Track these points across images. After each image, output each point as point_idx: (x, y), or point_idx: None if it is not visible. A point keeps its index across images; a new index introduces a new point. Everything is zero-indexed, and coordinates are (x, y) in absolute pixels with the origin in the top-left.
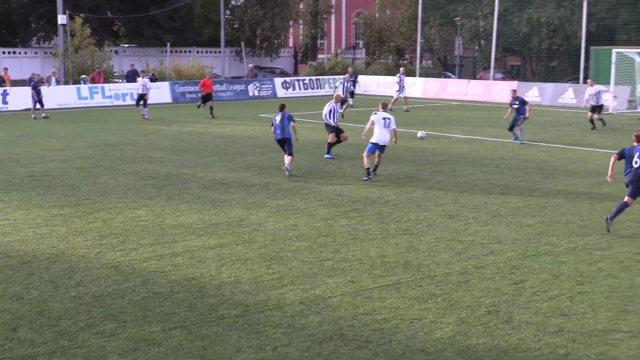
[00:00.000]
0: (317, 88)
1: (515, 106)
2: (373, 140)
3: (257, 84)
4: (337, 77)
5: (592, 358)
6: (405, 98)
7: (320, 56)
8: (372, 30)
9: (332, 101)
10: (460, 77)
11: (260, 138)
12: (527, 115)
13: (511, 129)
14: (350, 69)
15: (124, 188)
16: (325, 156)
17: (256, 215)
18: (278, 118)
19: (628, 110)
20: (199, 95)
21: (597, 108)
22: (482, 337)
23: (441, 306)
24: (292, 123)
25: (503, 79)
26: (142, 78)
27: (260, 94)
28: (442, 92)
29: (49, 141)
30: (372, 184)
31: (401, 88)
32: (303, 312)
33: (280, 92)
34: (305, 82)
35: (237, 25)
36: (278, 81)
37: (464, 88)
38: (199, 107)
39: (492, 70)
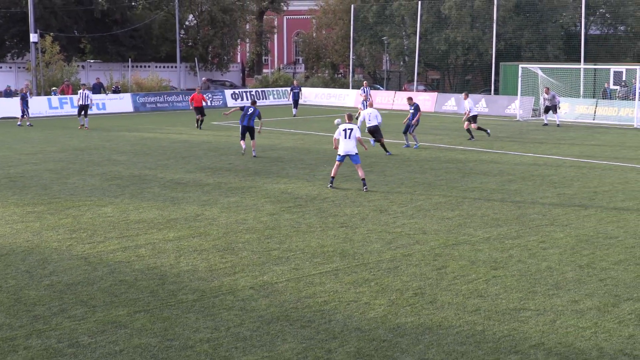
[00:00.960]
0: (263, 98)
1: (411, 111)
2: (340, 152)
3: (210, 95)
4: (280, 89)
5: (505, 333)
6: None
7: (265, 70)
8: (310, 47)
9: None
10: (387, 89)
11: (212, 143)
12: (413, 121)
13: (405, 132)
14: (295, 82)
15: (91, 188)
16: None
17: (210, 211)
18: (250, 110)
19: (533, 118)
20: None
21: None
22: (410, 316)
23: (374, 289)
24: (260, 120)
25: (425, 90)
26: (83, 90)
27: (212, 104)
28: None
29: (23, 146)
30: (312, 184)
31: (365, 101)
32: (253, 297)
33: (230, 102)
34: (252, 93)
35: (191, 43)
36: (228, 93)
37: (391, 99)
38: (199, 127)
39: (415, 83)
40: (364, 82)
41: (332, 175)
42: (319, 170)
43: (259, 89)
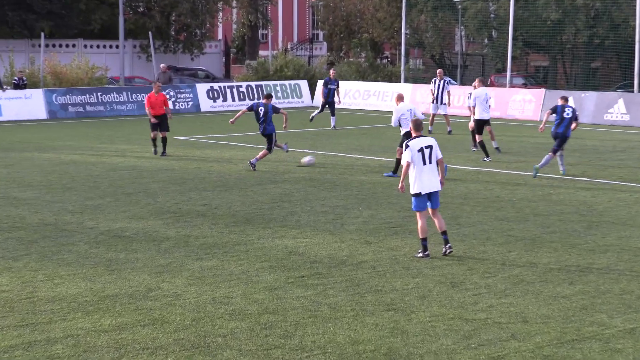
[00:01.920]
0: (260, 98)
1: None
2: (415, 189)
3: (172, 93)
4: (287, 82)
5: None
6: (446, 116)
7: (262, 53)
8: (337, 17)
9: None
10: (463, 83)
11: (175, 170)
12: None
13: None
14: (332, 72)
15: None
16: None
17: (171, 283)
18: (262, 109)
19: None
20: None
21: None
22: None
23: None
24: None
25: (525, 85)
26: None
27: (177, 107)
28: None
29: None
30: (339, 238)
31: (438, 99)
32: None
33: (205, 105)
34: (241, 89)
35: (142, 9)
36: (202, 88)
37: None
38: (159, 152)
39: (508, 73)
40: (438, 72)
41: (421, 236)
42: (352, 215)
43: (253, 83)
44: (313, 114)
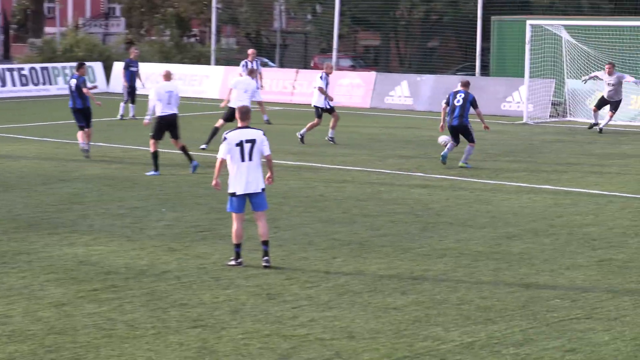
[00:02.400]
0: (45, 83)
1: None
2: (232, 188)
3: None
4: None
5: None
6: (261, 103)
7: (49, 30)
8: None
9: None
10: (282, 65)
11: None
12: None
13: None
14: (133, 52)
15: None
16: None
17: None
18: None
19: (551, 119)
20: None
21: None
22: None
23: None
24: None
25: (353, 67)
26: None
27: None
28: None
29: None
30: (139, 244)
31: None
32: None
33: None
34: (23, 72)
35: None
36: None
37: (290, 83)
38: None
39: (334, 54)
40: (250, 52)
41: (234, 242)
42: (153, 218)
43: (38, 65)
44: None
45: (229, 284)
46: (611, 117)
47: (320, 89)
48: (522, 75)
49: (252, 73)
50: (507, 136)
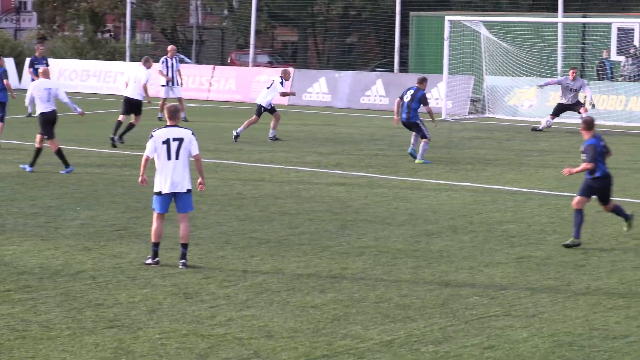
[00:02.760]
0: None
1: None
2: (158, 187)
3: None
4: None
5: None
6: (180, 99)
7: None
8: None
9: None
10: (199, 61)
11: None
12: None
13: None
14: (38, 49)
15: None
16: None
17: None
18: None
19: (470, 116)
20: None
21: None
22: None
23: None
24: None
25: (270, 64)
26: None
27: None
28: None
29: None
30: (53, 244)
31: (172, 80)
32: None
33: None
34: None
35: None
36: None
37: (206, 80)
38: None
39: (251, 50)
40: (170, 49)
41: (153, 240)
42: (68, 217)
43: None
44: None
45: (146, 283)
46: (552, 119)
47: (283, 94)
48: (441, 72)
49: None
50: None
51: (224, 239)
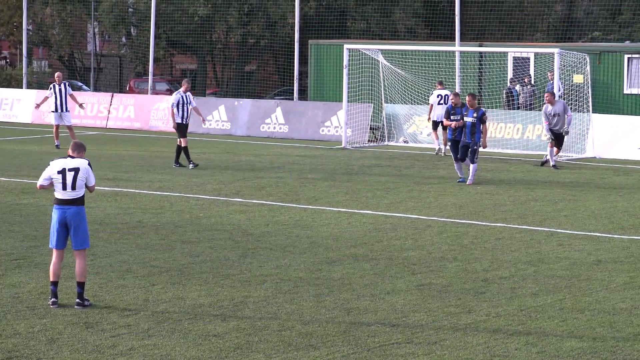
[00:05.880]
0: None
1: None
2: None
3: None
4: None
5: None
6: (70, 127)
7: None
8: None
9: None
10: (97, 89)
11: None
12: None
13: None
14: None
15: None
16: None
17: None
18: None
19: (370, 145)
20: None
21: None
22: None
23: None
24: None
25: (169, 91)
26: None
27: None
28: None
29: None
30: None
31: (60, 104)
32: None
33: None
34: None
35: None
36: None
37: (105, 107)
38: None
39: (150, 77)
40: (57, 76)
41: (51, 279)
42: None
43: None
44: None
45: (45, 313)
46: (557, 152)
47: (195, 109)
48: (340, 100)
49: None
50: (325, 161)
51: (125, 267)
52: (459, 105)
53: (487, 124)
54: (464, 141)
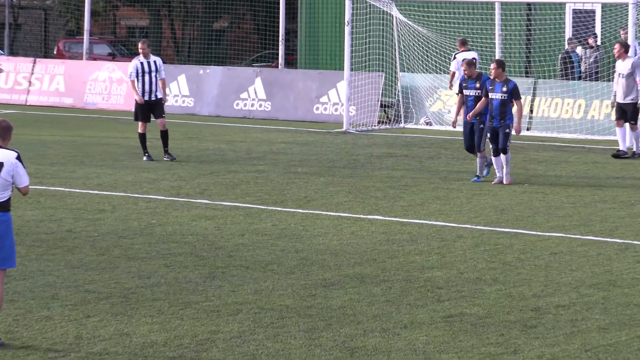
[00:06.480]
0: None
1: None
2: None
3: None
4: None
5: None
6: None
7: None
8: None
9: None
10: (14, 52)
11: None
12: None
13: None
14: None
15: None
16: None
17: None
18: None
19: (381, 127)
20: None
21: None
22: None
23: None
24: None
25: (112, 56)
26: None
27: None
28: None
29: None
30: None
31: None
32: None
33: None
34: None
35: None
36: None
37: (24, 78)
38: None
39: (86, 37)
40: None
41: None
42: None
43: None
44: None
45: None
46: (635, 130)
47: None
48: (341, 68)
49: None
50: (321, 149)
51: (50, 293)
52: (474, 77)
53: (521, 100)
54: (489, 126)
